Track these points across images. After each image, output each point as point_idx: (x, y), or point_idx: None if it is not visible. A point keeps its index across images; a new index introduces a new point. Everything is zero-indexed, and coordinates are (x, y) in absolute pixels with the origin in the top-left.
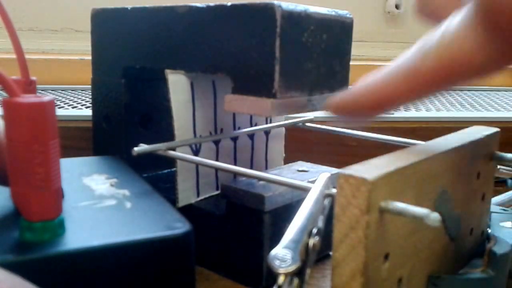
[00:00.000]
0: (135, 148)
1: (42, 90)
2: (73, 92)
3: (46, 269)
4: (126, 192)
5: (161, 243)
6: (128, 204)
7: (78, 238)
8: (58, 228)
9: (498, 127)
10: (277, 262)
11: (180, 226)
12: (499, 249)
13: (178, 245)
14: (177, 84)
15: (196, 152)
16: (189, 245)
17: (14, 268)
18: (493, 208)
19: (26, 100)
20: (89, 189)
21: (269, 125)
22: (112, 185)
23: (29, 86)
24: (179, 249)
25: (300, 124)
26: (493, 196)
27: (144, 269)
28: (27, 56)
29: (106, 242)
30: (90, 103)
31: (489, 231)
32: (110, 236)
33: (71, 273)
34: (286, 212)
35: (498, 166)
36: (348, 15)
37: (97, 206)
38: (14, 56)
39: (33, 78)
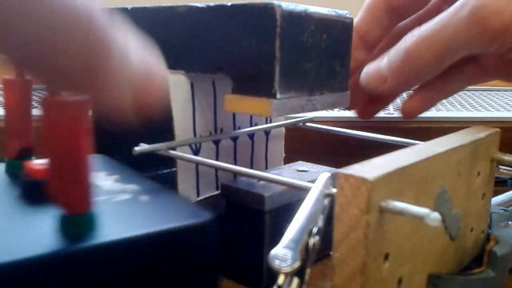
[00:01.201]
0: (136, 148)
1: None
2: None
3: (89, 260)
4: (135, 187)
5: (192, 230)
6: (144, 198)
7: (114, 230)
8: (94, 221)
9: (498, 127)
10: (277, 262)
11: (204, 213)
12: (499, 249)
13: (207, 232)
14: (177, 84)
15: (196, 152)
16: (216, 231)
17: (60, 261)
18: (493, 208)
19: (67, 98)
20: (94, 185)
21: (269, 125)
22: (116, 181)
23: (25, 86)
24: (208, 235)
25: (300, 124)
26: (493, 196)
27: (176, 256)
28: None
29: (143, 232)
30: None
31: (489, 231)
32: (144, 226)
33: (112, 263)
34: (286, 212)
35: (498, 166)
36: (348, 15)
37: (114, 200)
38: None
39: (29, 78)
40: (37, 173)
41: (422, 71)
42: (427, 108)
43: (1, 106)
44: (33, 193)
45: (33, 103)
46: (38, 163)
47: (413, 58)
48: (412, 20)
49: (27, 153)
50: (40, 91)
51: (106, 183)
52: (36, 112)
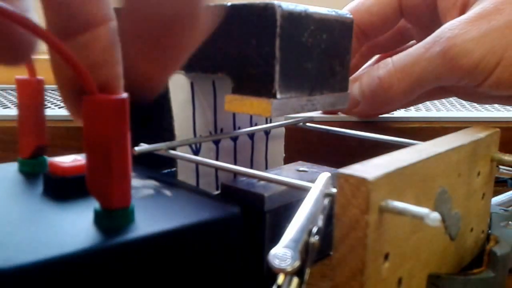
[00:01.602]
0: (136, 148)
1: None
2: None
3: (129, 253)
4: (154, 182)
5: (222, 223)
6: (168, 192)
7: (151, 223)
8: (132, 215)
9: (498, 127)
10: (276, 261)
11: (230, 206)
12: (499, 249)
13: (235, 224)
14: (177, 84)
15: (196, 152)
16: (241, 223)
17: (102, 253)
18: (493, 208)
19: (110, 97)
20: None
21: (269, 125)
22: (134, 177)
23: (38, 86)
24: (236, 227)
25: (301, 124)
26: (493, 196)
27: (208, 248)
28: None
29: (179, 224)
30: None
31: (489, 231)
32: (179, 219)
33: (150, 256)
34: (286, 212)
35: (498, 166)
36: (348, 15)
37: (139, 195)
38: None
39: (40, 77)
40: (63, 170)
41: (394, 100)
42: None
43: (14, 105)
44: (60, 189)
45: (46, 102)
46: (63, 160)
47: (386, 88)
48: (377, 43)
49: (40, 152)
50: (51, 90)
51: None
52: (49, 111)
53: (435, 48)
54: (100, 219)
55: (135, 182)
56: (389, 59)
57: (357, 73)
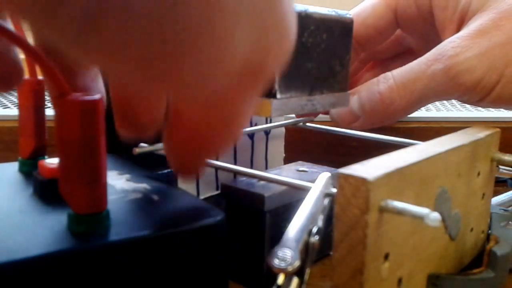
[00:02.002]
0: (136, 148)
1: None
2: None
3: (98, 259)
4: (146, 186)
5: (204, 230)
6: (155, 197)
7: (125, 228)
8: (106, 220)
9: (498, 127)
10: (277, 261)
11: (215, 213)
12: (499, 249)
13: (218, 231)
14: None
15: None
16: (225, 230)
17: (68, 258)
18: (493, 208)
19: (80, 98)
20: (108, 184)
21: (269, 125)
22: (128, 180)
23: (38, 86)
24: (219, 234)
25: (300, 124)
26: (493, 196)
27: (188, 256)
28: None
29: (154, 232)
30: None
31: (489, 231)
32: (155, 226)
33: (122, 262)
34: (286, 212)
35: (498, 166)
36: (348, 15)
37: (126, 199)
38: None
39: (41, 78)
40: (50, 172)
41: (395, 115)
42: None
43: (14, 106)
44: (46, 191)
45: (46, 103)
46: (51, 162)
47: (387, 103)
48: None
49: (40, 152)
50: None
51: (118, 182)
52: (49, 112)
53: (437, 65)
54: (71, 224)
55: (127, 185)
56: (389, 74)
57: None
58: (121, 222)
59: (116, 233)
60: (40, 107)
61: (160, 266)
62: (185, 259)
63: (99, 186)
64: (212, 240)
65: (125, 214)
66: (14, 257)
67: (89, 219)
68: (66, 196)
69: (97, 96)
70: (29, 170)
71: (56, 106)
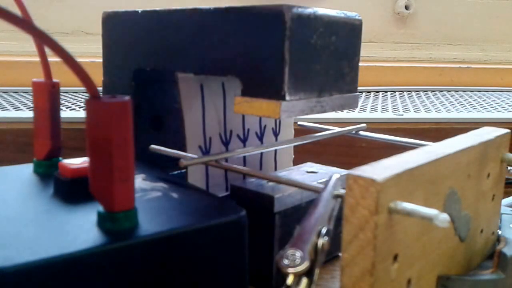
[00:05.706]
0: (182, 160)
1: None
2: (84, 94)
3: (134, 254)
4: (163, 184)
5: (229, 225)
6: (175, 195)
7: (155, 224)
8: (135, 217)
9: (508, 128)
10: (286, 262)
11: (237, 209)
12: (509, 251)
13: (241, 225)
14: (187, 86)
15: (205, 153)
16: (247, 225)
17: (106, 254)
18: (504, 209)
19: (113, 100)
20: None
21: (323, 133)
22: (144, 179)
23: (53, 88)
24: (242, 228)
25: (353, 132)
26: (504, 198)
27: (215, 249)
28: (37, 59)
29: (183, 226)
30: None
31: (499, 232)
32: (183, 221)
33: (155, 257)
34: (295, 213)
35: (509, 168)
36: (357, 17)
37: (147, 198)
38: (27, 59)
39: (56, 80)
40: (72, 172)
41: None
42: None
43: (28, 109)
44: (69, 191)
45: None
46: (73, 162)
47: None
48: None
49: (55, 154)
50: (66, 93)
51: (135, 182)
52: (63, 113)
53: None
54: (103, 221)
55: (144, 184)
56: None
57: None
58: (148, 219)
59: (147, 229)
60: (56, 109)
61: (189, 259)
62: (212, 252)
63: (130, 184)
64: (237, 234)
65: (150, 211)
66: (53, 254)
67: (120, 217)
68: (98, 195)
69: (126, 98)
70: (45, 171)
71: (89, 108)
